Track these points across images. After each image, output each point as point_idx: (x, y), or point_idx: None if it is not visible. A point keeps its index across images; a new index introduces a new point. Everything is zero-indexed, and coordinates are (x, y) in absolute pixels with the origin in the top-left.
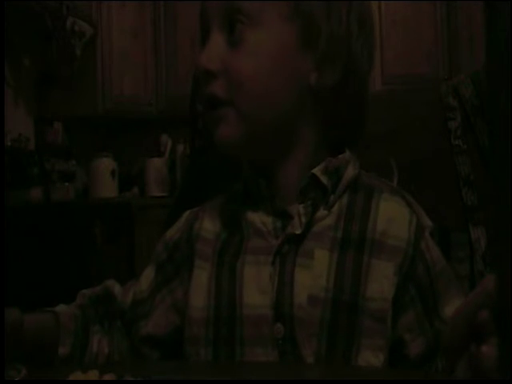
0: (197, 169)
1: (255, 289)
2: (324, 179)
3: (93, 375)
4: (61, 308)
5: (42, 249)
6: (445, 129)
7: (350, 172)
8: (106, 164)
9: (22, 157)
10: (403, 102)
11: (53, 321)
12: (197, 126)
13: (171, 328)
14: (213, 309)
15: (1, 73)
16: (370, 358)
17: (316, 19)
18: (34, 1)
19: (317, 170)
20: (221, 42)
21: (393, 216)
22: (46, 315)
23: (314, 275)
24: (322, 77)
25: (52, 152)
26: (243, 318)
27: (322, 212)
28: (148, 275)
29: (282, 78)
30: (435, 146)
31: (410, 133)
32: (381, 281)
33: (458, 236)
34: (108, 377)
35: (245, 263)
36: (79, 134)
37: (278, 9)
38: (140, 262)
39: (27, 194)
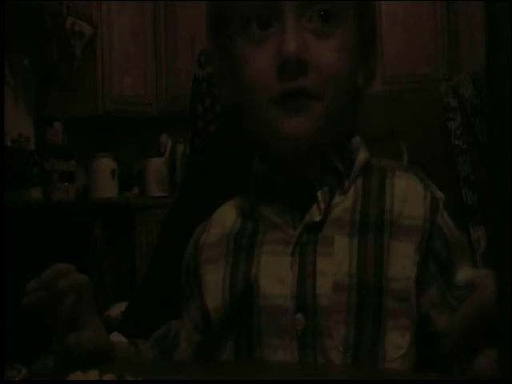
0: (197, 169)
1: (273, 279)
2: (339, 165)
3: (93, 375)
4: (137, 340)
5: (42, 249)
6: (445, 129)
7: (362, 155)
8: (105, 164)
9: (22, 157)
10: (403, 101)
11: (134, 349)
12: (197, 126)
13: (197, 346)
14: (229, 300)
15: (1, 73)
16: (397, 338)
17: (375, 25)
18: (34, 1)
19: (332, 156)
20: (304, 31)
21: (408, 194)
22: (127, 344)
23: (335, 262)
24: (368, 83)
25: (52, 152)
26: (260, 308)
27: (338, 198)
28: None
29: (352, 76)
30: (435, 145)
31: (409, 133)
32: (402, 261)
33: None
34: (108, 377)
35: (261, 254)
36: (79, 134)
37: (352, 10)
38: (140, 262)
39: (27, 193)
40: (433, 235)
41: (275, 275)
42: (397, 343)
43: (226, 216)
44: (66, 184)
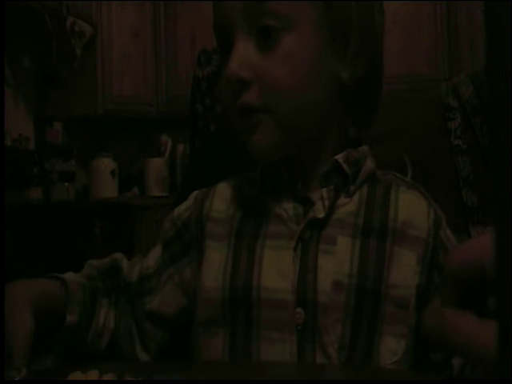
0: (197, 168)
1: (275, 272)
2: (345, 167)
3: (93, 375)
4: (69, 276)
5: (42, 249)
6: (445, 129)
7: (369, 164)
8: (105, 164)
9: (22, 157)
10: (403, 101)
11: (61, 288)
12: (197, 126)
13: (178, 308)
14: (228, 290)
15: (1, 73)
16: (393, 344)
17: (348, 20)
18: (34, 1)
19: (339, 157)
20: (250, 48)
21: (413, 207)
22: (54, 281)
23: (337, 261)
24: (355, 71)
25: (52, 152)
26: (261, 300)
27: (343, 199)
28: (155, 252)
29: (316, 80)
30: (435, 146)
31: (409, 133)
32: (403, 269)
33: (458, 236)
34: (108, 377)
35: (265, 246)
36: (79, 134)
37: (309, 15)
38: None
39: (27, 194)
40: (436, 249)
41: (277, 269)
42: (392, 349)
43: (231, 195)
44: (66, 184)
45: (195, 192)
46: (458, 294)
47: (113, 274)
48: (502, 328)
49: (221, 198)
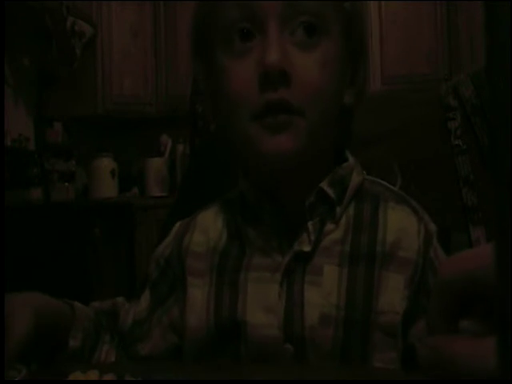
0: (196, 168)
1: (260, 308)
2: (330, 192)
3: (93, 375)
4: (77, 304)
5: (42, 249)
6: (445, 129)
7: (355, 180)
8: (105, 164)
9: (22, 157)
10: (403, 102)
11: (69, 311)
12: (197, 126)
13: (170, 348)
14: (213, 328)
15: (1, 73)
16: None
17: (363, 40)
18: (34, 1)
19: (324, 184)
20: (286, 44)
21: (402, 226)
22: (64, 304)
23: (324, 293)
24: (357, 97)
25: (52, 152)
26: (248, 337)
27: (329, 226)
28: (145, 296)
29: (337, 93)
30: (435, 146)
31: (409, 133)
32: (391, 294)
33: (458, 236)
34: (108, 377)
35: (248, 280)
36: (79, 134)
37: (339, 24)
38: (140, 262)
39: (27, 193)
40: (425, 270)
41: (263, 304)
42: None
43: (211, 226)
44: (66, 184)
45: (177, 224)
46: (447, 305)
47: (111, 318)
48: (501, 328)
49: (201, 230)
